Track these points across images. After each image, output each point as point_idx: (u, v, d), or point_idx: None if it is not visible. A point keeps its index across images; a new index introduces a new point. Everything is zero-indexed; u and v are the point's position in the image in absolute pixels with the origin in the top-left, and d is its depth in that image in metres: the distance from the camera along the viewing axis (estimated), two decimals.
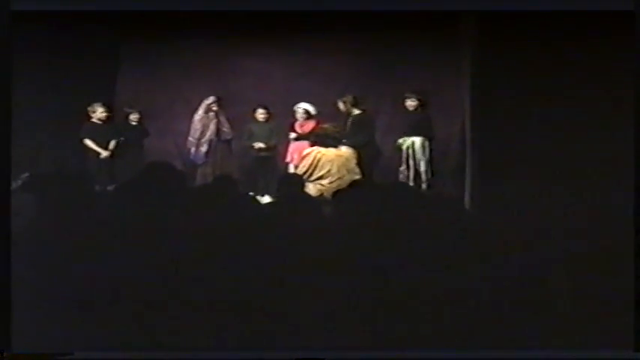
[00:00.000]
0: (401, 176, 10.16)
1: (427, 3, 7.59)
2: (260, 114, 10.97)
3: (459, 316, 5.53)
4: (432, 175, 10.19)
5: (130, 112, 10.74)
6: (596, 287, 5.65)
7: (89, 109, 10.25)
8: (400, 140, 10.34)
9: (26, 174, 7.15)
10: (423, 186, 10.04)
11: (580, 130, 7.36)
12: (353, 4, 7.61)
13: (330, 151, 9.02)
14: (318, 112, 10.71)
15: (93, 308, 5.47)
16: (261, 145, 10.84)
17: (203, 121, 10.96)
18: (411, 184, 9.86)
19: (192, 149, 10.99)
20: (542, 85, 7.66)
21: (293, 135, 10.70)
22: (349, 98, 10.65)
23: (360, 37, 11.04)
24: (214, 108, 10.93)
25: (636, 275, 5.80)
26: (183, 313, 5.53)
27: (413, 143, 10.20)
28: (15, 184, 7.11)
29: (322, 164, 8.90)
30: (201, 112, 10.96)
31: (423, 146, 10.18)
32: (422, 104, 10.36)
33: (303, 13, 9.36)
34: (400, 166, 10.27)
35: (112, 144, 10.29)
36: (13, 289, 5.55)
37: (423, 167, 10.11)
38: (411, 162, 10.15)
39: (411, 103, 10.38)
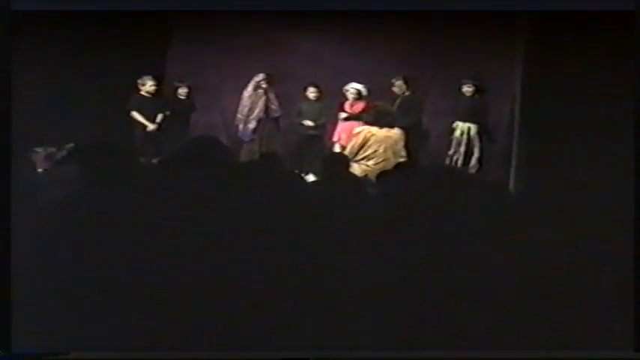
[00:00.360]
0: (448, 160, 10.08)
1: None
2: (311, 92, 10.93)
3: (460, 317, 5.47)
4: (482, 161, 10.10)
5: (179, 86, 10.75)
6: (596, 287, 5.57)
7: (139, 81, 10.28)
8: (454, 125, 10.24)
9: (71, 144, 7.19)
10: (472, 171, 9.94)
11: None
12: None
13: (381, 132, 8.92)
14: (369, 93, 10.64)
15: (93, 308, 5.45)
16: (310, 123, 10.81)
17: (252, 98, 10.94)
18: (459, 168, 9.78)
19: (241, 126, 10.99)
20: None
21: (343, 115, 10.64)
22: (400, 79, 10.58)
23: (413, 19, 10.93)
24: (264, 85, 10.91)
25: (636, 275, 5.71)
26: (186, 312, 5.50)
27: (469, 129, 10.09)
28: (59, 154, 7.16)
29: (371, 144, 8.82)
30: (250, 88, 10.94)
31: (478, 132, 10.08)
32: (479, 90, 10.25)
33: None
34: (449, 150, 10.18)
35: (160, 117, 10.31)
36: (13, 289, 5.55)
37: (477, 153, 10.01)
38: (462, 148, 10.05)
39: (467, 89, 10.27)
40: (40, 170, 7.13)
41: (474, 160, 10.06)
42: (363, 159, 8.77)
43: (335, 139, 10.57)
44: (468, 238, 5.47)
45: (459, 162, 10.06)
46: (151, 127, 10.22)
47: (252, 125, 10.96)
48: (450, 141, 10.24)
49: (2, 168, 5.90)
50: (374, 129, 8.90)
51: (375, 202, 6.20)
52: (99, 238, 5.39)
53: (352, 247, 5.59)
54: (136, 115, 10.21)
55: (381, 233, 5.62)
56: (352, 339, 5.46)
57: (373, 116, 9.20)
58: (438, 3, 7.50)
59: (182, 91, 10.75)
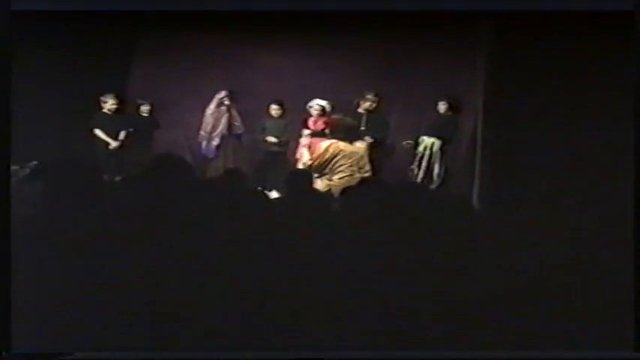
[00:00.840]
0: (410, 174, 10.12)
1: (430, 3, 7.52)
2: (274, 109, 10.92)
3: (460, 317, 5.49)
4: (445, 175, 10.14)
5: (142, 104, 10.73)
6: (596, 287, 5.62)
7: (101, 99, 10.26)
8: (419, 139, 10.29)
9: (34, 162, 7.14)
10: (433, 186, 9.99)
11: (580, 129, 7.34)
12: (366, 4, 7.56)
13: (348, 146, 8.93)
14: (332, 109, 10.66)
15: (95, 308, 5.44)
16: (273, 140, 10.81)
17: (215, 115, 10.94)
18: (421, 182, 9.83)
19: (204, 143, 10.98)
20: (549, 87, 7.66)
21: (306, 132, 10.65)
22: (366, 95, 10.62)
23: (374, 35, 11.00)
24: (226, 102, 10.91)
25: (636, 275, 5.77)
26: (185, 312, 5.49)
27: (432, 144, 10.14)
28: (22, 172, 7.11)
29: (339, 158, 8.82)
30: (213, 105, 10.94)
31: (441, 148, 10.14)
32: (452, 107, 10.33)
33: (320, 9, 9.36)
34: (411, 164, 10.23)
35: (122, 134, 10.29)
36: (13, 288, 5.52)
37: (437, 169, 10.06)
38: (424, 163, 10.10)
39: (442, 106, 10.35)
40: None
41: (434, 176, 10.10)
42: (328, 174, 8.76)
43: (298, 155, 10.58)
44: (429, 249, 5.53)
45: (420, 177, 10.09)
46: (113, 144, 10.19)
47: (215, 142, 10.96)
48: (414, 156, 10.28)
49: (2, 166, 5.88)
50: (341, 144, 8.92)
51: (339, 218, 6.23)
52: (63, 255, 5.39)
53: (317, 262, 5.61)
54: (98, 132, 10.18)
55: (346, 248, 5.66)
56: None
57: (341, 131, 9.21)
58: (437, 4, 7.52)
59: (144, 109, 10.73)
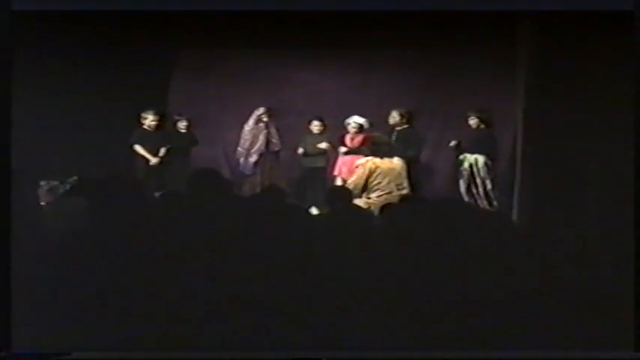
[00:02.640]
0: (462, 193, 10.02)
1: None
2: (315, 126, 10.91)
3: (463, 316, 5.49)
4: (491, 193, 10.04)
5: (179, 120, 10.72)
6: (596, 287, 5.58)
7: (142, 115, 10.27)
8: (461, 157, 10.21)
9: (74, 177, 7.17)
10: (483, 203, 9.88)
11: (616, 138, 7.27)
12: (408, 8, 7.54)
13: (384, 163, 8.87)
14: (371, 126, 10.63)
15: (98, 308, 5.43)
16: (305, 152, 10.82)
17: (253, 132, 10.93)
18: (468, 200, 9.77)
19: (242, 159, 10.96)
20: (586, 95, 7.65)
21: (343, 149, 10.63)
22: (399, 111, 10.57)
23: (411, 50, 11.01)
24: (265, 119, 10.89)
25: (636, 275, 5.72)
26: (193, 315, 5.49)
27: (476, 160, 10.05)
28: (63, 188, 7.14)
29: (376, 176, 8.76)
30: (251, 122, 10.93)
31: (486, 164, 10.03)
32: (483, 122, 10.24)
33: (357, 24, 9.36)
34: (459, 182, 10.12)
35: (162, 151, 10.29)
36: (14, 288, 5.53)
37: (489, 186, 9.96)
38: (478, 180, 10.00)
39: (471, 122, 10.26)
40: (43, 204, 7.12)
41: (487, 192, 9.99)
42: (366, 191, 8.72)
43: (336, 172, 10.54)
44: (473, 265, 5.49)
45: (473, 194, 10.01)
46: (153, 160, 10.19)
47: (253, 159, 10.95)
48: (460, 173, 10.18)
49: (2, 168, 5.89)
50: (377, 160, 8.86)
51: (379, 235, 6.19)
52: (102, 269, 5.40)
53: (357, 278, 5.58)
54: (138, 148, 10.19)
55: (386, 265, 5.62)
56: None
57: (370, 148, 9.16)
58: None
59: (181, 125, 10.72)
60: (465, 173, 10.06)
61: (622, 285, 5.73)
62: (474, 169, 10.02)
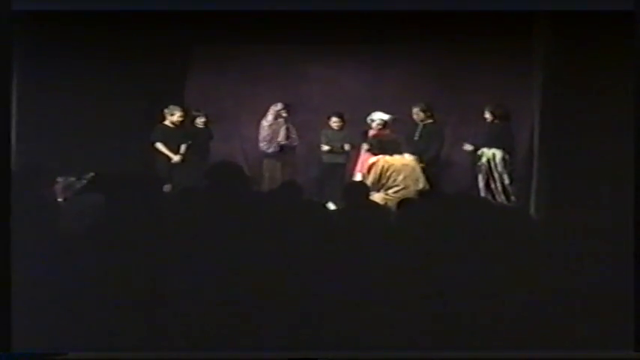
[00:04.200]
0: (480, 188, 9.97)
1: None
2: (334, 122, 10.90)
3: (461, 315, 5.49)
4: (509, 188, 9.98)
5: (197, 115, 10.69)
6: (596, 287, 5.56)
7: (166, 111, 10.24)
8: (478, 152, 10.15)
9: (91, 174, 7.18)
10: (501, 198, 9.84)
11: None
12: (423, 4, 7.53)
13: (397, 160, 8.87)
14: (394, 119, 10.59)
15: (102, 309, 5.44)
16: (332, 150, 10.81)
17: (272, 127, 10.91)
18: (486, 195, 9.73)
19: (263, 154, 10.96)
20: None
21: (366, 146, 10.60)
22: (422, 106, 10.53)
23: (429, 45, 10.98)
24: (283, 114, 10.87)
25: (636, 275, 5.69)
26: (196, 313, 5.49)
27: (494, 155, 9.99)
28: (79, 184, 7.15)
29: (390, 173, 8.76)
30: (270, 117, 10.91)
31: (504, 159, 9.98)
32: (497, 116, 10.18)
33: (373, 20, 9.34)
34: (478, 177, 10.08)
35: (183, 148, 10.25)
36: (14, 288, 5.53)
37: (507, 180, 9.91)
38: (496, 175, 9.94)
39: (487, 116, 10.21)
40: (60, 200, 7.13)
41: (506, 188, 9.94)
42: (383, 188, 8.71)
43: (358, 169, 10.51)
44: (491, 260, 5.48)
45: (491, 189, 9.96)
46: (175, 158, 10.16)
47: (273, 154, 10.94)
48: (478, 168, 10.13)
49: (2, 167, 5.91)
50: (389, 158, 8.86)
51: (397, 230, 6.17)
52: (118, 262, 5.41)
53: (376, 274, 5.57)
54: (160, 146, 10.19)
55: (403, 262, 5.60)
56: None
57: (377, 146, 9.16)
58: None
59: (200, 121, 10.69)
60: (483, 168, 10.02)
61: (622, 284, 5.70)
62: (492, 164, 9.97)
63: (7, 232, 5.65)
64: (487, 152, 10.02)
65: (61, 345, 5.40)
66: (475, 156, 10.18)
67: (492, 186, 9.94)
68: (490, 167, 9.99)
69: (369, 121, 10.67)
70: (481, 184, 9.99)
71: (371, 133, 10.58)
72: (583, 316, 5.46)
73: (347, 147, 10.81)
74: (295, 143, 10.99)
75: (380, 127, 10.56)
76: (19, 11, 6.20)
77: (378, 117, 10.61)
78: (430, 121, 10.49)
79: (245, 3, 7.57)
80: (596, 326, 5.46)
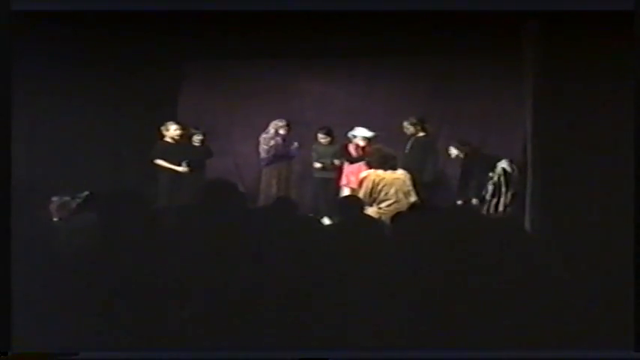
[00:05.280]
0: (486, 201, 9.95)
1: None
2: (321, 137, 10.91)
3: (462, 315, 5.51)
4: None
5: (195, 133, 10.68)
6: (596, 287, 5.59)
7: (162, 128, 10.26)
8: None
9: (86, 192, 7.18)
10: (499, 209, 9.80)
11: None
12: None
13: (387, 173, 8.92)
14: (376, 135, 10.59)
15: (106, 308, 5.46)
16: (324, 166, 10.82)
17: (271, 142, 10.89)
18: (472, 207, 9.72)
19: (263, 167, 10.99)
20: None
21: (350, 158, 10.64)
22: (412, 120, 10.56)
23: (418, 60, 11.01)
24: (282, 132, 10.87)
25: (636, 275, 5.72)
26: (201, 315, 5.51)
27: (504, 171, 9.90)
28: (74, 203, 7.16)
29: (381, 187, 8.81)
30: (272, 131, 10.89)
31: (506, 172, 9.91)
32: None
33: (364, 38, 9.37)
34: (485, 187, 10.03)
35: (184, 164, 10.25)
36: (14, 289, 5.55)
37: (512, 189, 9.82)
38: (503, 188, 9.87)
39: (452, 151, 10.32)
40: (55, 220, 7.15)
41: (504, 199, 9.89)
42: (375, 202, 8.75)
43: (343, 182, 10.55)
44: (484, 272, 5.49)
45: (500, 202, 9.91)
46: (180, 169, 10.16)
47: (271, 167, 10.94)
48: (490, 178, 10.08)
49: (2, 168, 5.92)
50: (380, 172, 8.90)
51: (391, 244, 6.20)
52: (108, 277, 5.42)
53: (371, 289, 5.59)
54: (161, 162, 10.19)
55: (398, 274, 5.63)
56: None
57: (376, 160, 9.18)
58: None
59: (197, 138, 10.69)
60: (494, 182, 9.93)
61: (622, 284, 5.73)
62: (503, 178, 9.87)
63: (7, 232, 5.68)
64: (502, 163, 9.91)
65: (61, 345, 5.41)
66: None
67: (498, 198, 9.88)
68: (500, 180, 9.91)
69: (350, 136, 10.70)
70: (488, 195, 9.90)
71: (351, 148, 10.61)
72: (583, 316, 5.47)
73: (337, 162, 10.83)
74: (294, 154, 11.04)
75: (359, 141, 10.57)
76: (19, 11, 6.23)
77: (361, 134, 10.62)
78: (422, 134, 10.52)
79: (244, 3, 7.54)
80: (596, 326, 5.47)
